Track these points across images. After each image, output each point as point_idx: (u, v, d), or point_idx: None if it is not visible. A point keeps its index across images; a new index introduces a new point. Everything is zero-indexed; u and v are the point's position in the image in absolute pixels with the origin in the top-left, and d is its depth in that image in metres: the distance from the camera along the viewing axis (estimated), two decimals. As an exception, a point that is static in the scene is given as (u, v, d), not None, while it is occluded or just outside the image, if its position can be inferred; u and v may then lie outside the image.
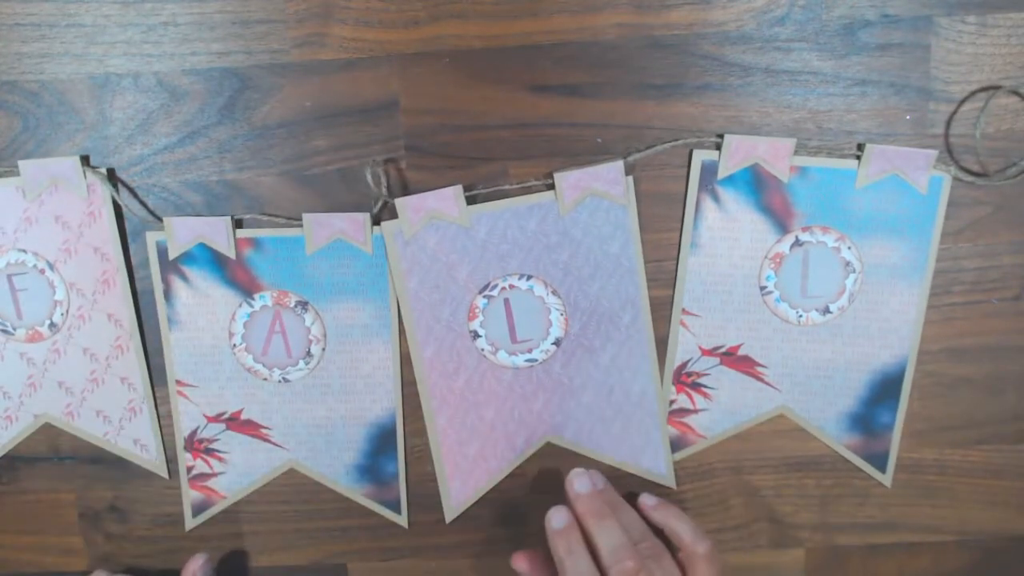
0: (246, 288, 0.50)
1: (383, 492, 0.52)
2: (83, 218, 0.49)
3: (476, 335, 0.50)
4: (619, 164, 0.47)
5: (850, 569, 0.53)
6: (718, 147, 0.48)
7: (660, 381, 0.51)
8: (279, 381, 0.51)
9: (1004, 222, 0.48)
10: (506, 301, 0.49)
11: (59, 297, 0.50)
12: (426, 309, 0.49)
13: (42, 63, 0.48)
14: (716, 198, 0.48)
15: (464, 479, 0.52)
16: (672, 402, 0.51)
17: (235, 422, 0.52)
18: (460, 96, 0.48)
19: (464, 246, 0.49)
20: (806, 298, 0.49)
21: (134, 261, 0.50)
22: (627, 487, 0.51)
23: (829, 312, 0.49)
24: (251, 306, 0.50)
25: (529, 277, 0.49)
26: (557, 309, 0.50)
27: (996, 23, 0.46)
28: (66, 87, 0.48)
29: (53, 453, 0.53)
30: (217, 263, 0.50)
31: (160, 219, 0.49)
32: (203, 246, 0.49)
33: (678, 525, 0.46)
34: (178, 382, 0.51)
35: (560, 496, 0.50)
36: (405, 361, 0.51)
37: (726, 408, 0.51)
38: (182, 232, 0.49)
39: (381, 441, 0.52)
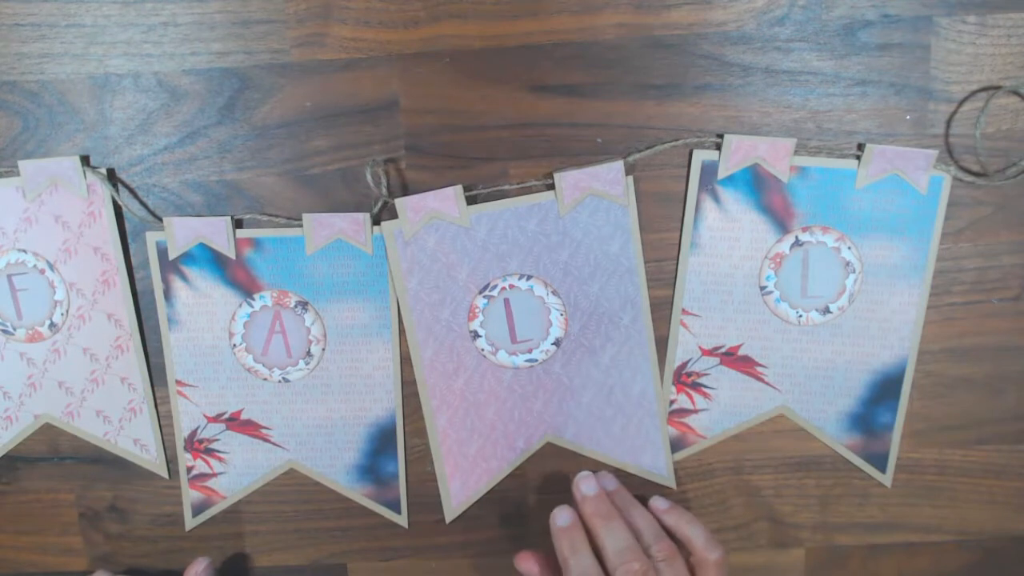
0: (246, 288, 0.50)
1: (383, 492, 0.52)
2: (83, 218, 0.49)
3: (476, 335, 0.50)
4: (619, 164, 0.47)
5: (850, 569, 0.53)
6: (718, 147, 0.48)
7: (660, 381, 0.51)
8: (279, 381, 0.51)
9: (1004, 222, 0.48)
10: (506, 301, 0.49)
11: (59, 297, 0.50)
12: (426, 309, 0.49)
13: (42, 63, 0.48)
14: (716, 198, 0.48)
15: (464, 479, 0.52)
16: (672, 402, 0.51)
17: (235, 422, 0.52)
18: (460, 96, 0.48)
19: (464, 246, 0.49)
20: (806, 298, 0.49)
21: (134, 261, 0.50)
22: (627, 487, 0.51)
23: (829, 312, 0.49)
24: (251, 306, 0.50)
25: (529, 277, 0.49)
26: (557, 309, 0.50)
27: (996, 23, 0.46)
28: (66, 87, 0.48)
29: (53, 453, 0.53)
30: (217, 263, 0.50)
31: (160, 219, 0.49)
32: (203, 246, 0.49)
33: (691, 530, 0.46)
34: (178, 382, 0.51)
35: (562, 496, 0.50)
36: (405, 361, 0.51)
37: (726, 408, 0.51)
38: (182, 232, 0.49)
39: (381, 441, 0.52)
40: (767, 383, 0.50)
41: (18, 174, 0.49)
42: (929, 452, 0.51)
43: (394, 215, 0.48)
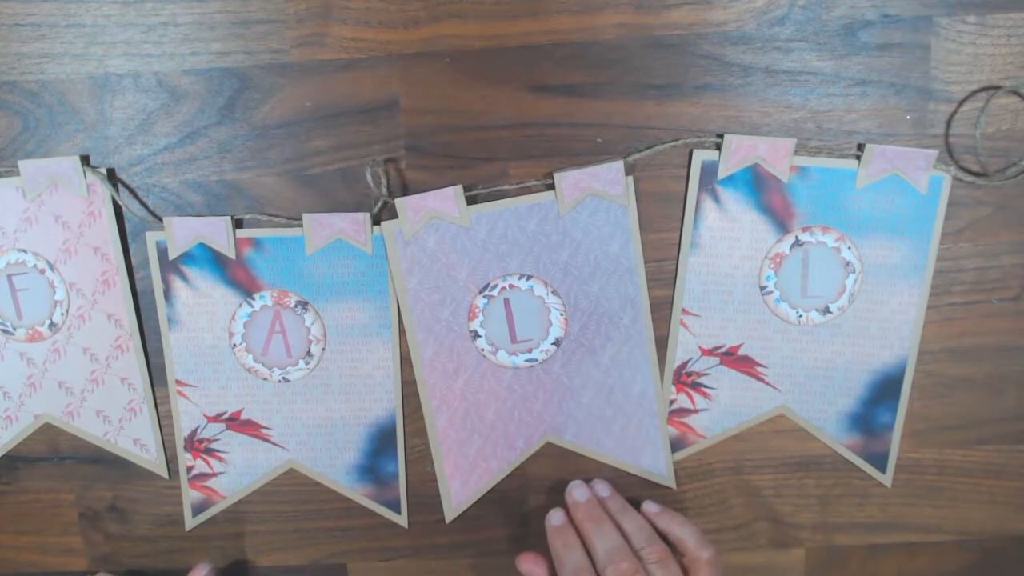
0: (246, 288, 0.50)
1: (383, 492, 0.52)
2: (83, 218, 0.49)
3: (476, 335, 0.50)
4: (619, 164, 0.47)
5: (850, 569, 0.53)
6: (718, 147, 0.48)
7: (660, 381, 0.51)
8: (279, 381, 0.51)
9: (1004, 222, 0.48)
10: (506, 301, 0.49)
11: (59, 297, 0.50)
12: (426, 309, 0.49)
13: (42, 63, 0.48)
14: (716, 198, 0.48)
15: (464, 479, 0.52)
16: (672, 402, 0.51)
17: (235, 422, 0.52)
18: (460, 96, 0.48)
19: (464, 246, 0.49)
20: (806, 298, 0.49)
21: (134, 261, 0.50)
22: (627, 487, 0.51)
23: (829, 312, 0.49)
24: (251, 306, 0.50)
25: (529, 277, 0.49)
26: (557, 309, 0.50)
27: (996, 23, 0.46)
28: (66, 87, 0.48)
29: (53, 453, 0.53)
30: (217, 263, 0.50)
31: (160, 219, 0.49)
32: (203, 246, 0.49)
33: (681, 531, 0.47)
34: (178, 382, 0.51)
35: (562, 496, 0.50)
36: (405, 361, 0.51)
37: (726, 408, 0.51)
38: (182, 232, 0.49)
39: (381, 441, 0.52)
40: (767, 383, 0.50)
41: (18, 174, 0.49)
42: (929, 452, 0.51)
43: (394, 215, 0.48)
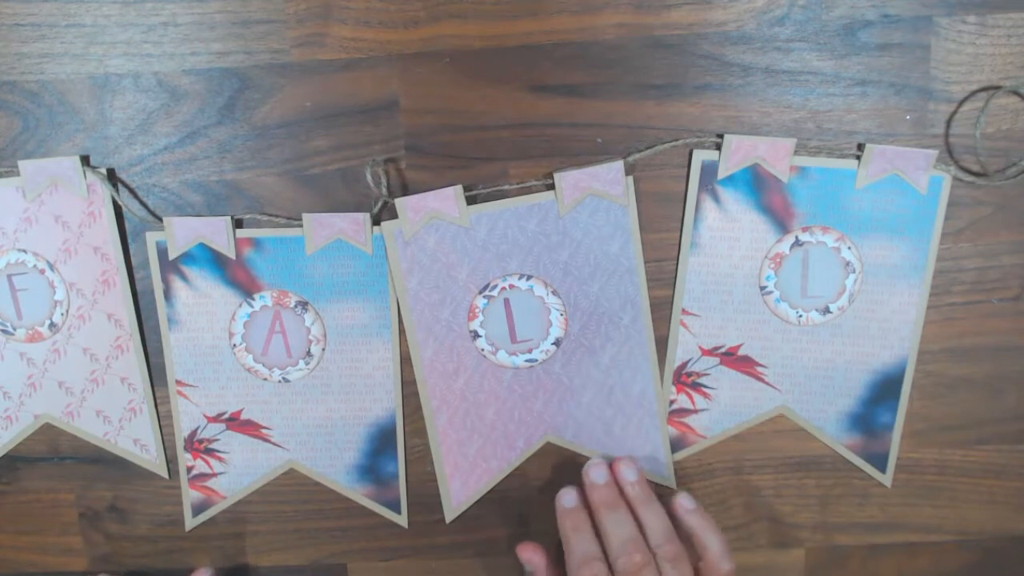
0: (246, 288, 0.50)
1: (383, 492, 0.52)
2: (83, 218, 0.49)
3: (476, 335, 0.50)
4: (619, 164, 0.47)
5: (850, 569, 0.53)
6: (718, 147, 0.48)
7: (660, 381, 0.51)
8: (279, 381, 0.51)
9: (1004, 222, 0.48)
10: (506, 301, 0.49)
11: (59, 297, 0.50)
12: (426, 309, 0.49)
13: (42, 63, 0.48)
14: (716, 198, 0.48)
15: (464, 479, 0.52)
16: (672, 402, 0.51)
17: (235, 422, 0.52)
18: (460, 96, 0.48)
19: (464, 246, 0.49)
20: (806, 298, 0.49)
21: (134, 261, 0.50)
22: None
23: (829, 312, 0.49)
24: (251, 306, 0.50)
25: (529, 277, 0.49)
26: (557, 309, 0.50)
27: (996, 23, 0.46)
28: (66, 87, 0.48)
29: (53, 453, 0.53)
30: (217, 263, 0.50)
31: (160, 219, 0.49)
32: (203, 246, 0.49)
33: (708, 538, 0.45)
34: (178, 382, 0.51)
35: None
36: (405, 361, 0.51)
37: (726, 408, 0.51)
38: (182, 232, 0.49)
39: (381, 441, 0.52)
40: (767, 383, 0.50)
41: (18, 174, 0.49)
42: (929, 452, 0.51)
43: (394, 215, 0.48)
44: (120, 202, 0.49)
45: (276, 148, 0.49)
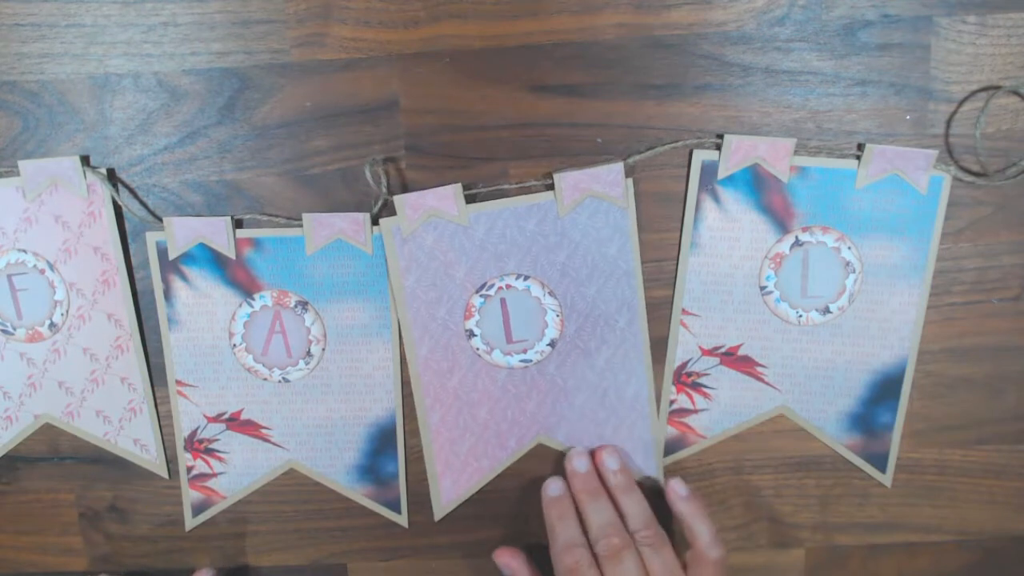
0: (246, 288, 0.50)
1: (383, 492, 0.52)
2: (83, 218, 0.49)
3: (472, 334, 0.50)
4: (619, 166, 0.47)
5: (850, 569, 0.53)
6: (718, 147, 0.48)
7: (654, 384, 0.51)
8: (279, 381, 0.51)
9: (1004, 222, 0.48)
10: (502, 301, 0.49)
11: (59, 297, 0.50)
12: (422, 307, 0.49)
13: (42, 63, 0.48)
14: (716, 198, 0.48)
15: (455, 478, 0.52)
16: (672, 402, 0.51)
17: (235, 422, 0.52)
18: (460, 96, 0.48)
19: (462, 245, 0.49)
20: (806, 298, 0.49)
21: (134, 261, 0.50)
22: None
23: (829, 312, 0.49)
24: (251, 306, 0.50)
25: (526, 277, 0.49)
26: (553, 310, 0.49)
27: (996, 23, 0.46)
28: (66, 87, 0.48)
29: (53, 453, 0.53)
30: (217, 263, 0.50)
31: (160, 219, 0.49)
32: (203, 246, 0.49)
33: (698, 525, 0.46)
34: (178, 382, 0.51)
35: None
36: (405, 361, 0.51)
37: (726, 408, 0.51)
38: (182, 232, 0.49)
39: (381, 441, 0.52)
40: (767, 383, 0.50)
41: (18, 174, 0.49)
42: (929, 452, 0.51)
43: (393, 214, 0.48)
44: (120, 202, 0.49)
45: (276, 148, 0.49)
